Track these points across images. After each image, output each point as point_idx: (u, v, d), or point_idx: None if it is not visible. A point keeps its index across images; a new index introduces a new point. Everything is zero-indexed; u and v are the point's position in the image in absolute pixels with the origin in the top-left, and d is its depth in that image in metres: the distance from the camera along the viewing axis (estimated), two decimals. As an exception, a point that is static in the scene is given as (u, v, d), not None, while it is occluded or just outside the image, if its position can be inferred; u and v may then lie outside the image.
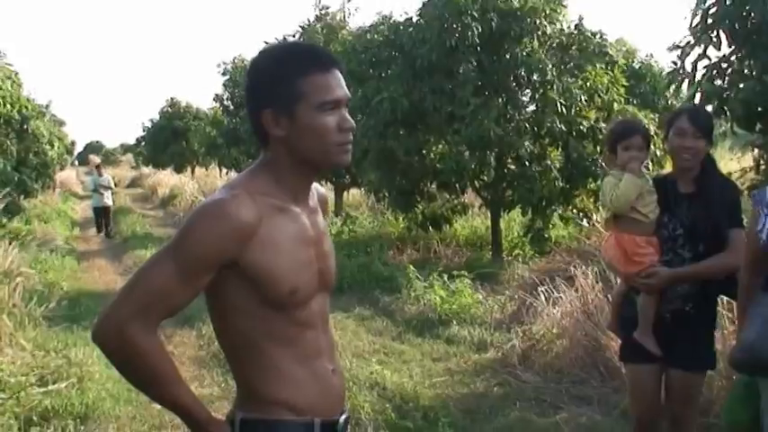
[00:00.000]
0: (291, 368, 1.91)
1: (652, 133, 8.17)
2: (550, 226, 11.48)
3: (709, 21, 5.16)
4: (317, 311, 1.98)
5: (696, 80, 5.35)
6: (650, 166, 9.71)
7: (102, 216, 18.80)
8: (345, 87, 1.94)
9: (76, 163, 65.34)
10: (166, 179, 33.13)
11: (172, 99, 39.52)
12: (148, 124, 42.41)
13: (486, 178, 11.42)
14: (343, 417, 2.04)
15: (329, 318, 2.08)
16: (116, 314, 1.77)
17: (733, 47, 5.19)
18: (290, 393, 1.91)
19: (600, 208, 9.60)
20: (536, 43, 10.84)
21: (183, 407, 1.86)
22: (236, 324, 1.89)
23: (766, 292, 2.95)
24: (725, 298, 4.12)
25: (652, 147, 7.72)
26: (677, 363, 3.50)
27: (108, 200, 18.78)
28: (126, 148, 75.57)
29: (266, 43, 17.80)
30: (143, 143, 46.08)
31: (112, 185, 19.61)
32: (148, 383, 1.85)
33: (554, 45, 11.12)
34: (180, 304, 1.82)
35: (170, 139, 38.22)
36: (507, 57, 10.73)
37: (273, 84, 1.90)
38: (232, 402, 5.88)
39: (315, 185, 2.09)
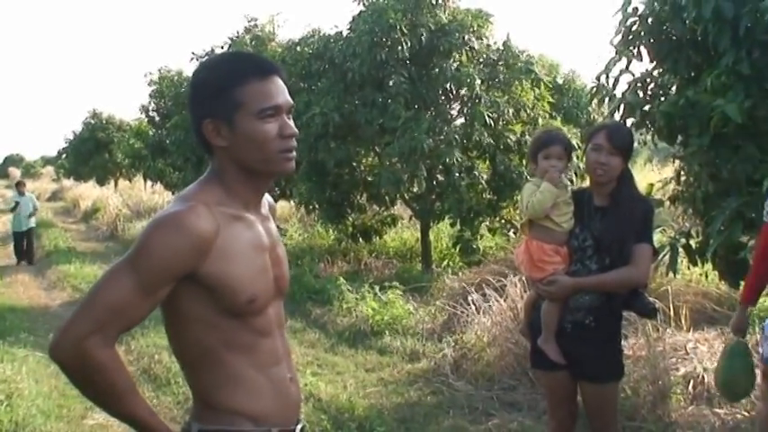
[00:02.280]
0: (250, 376, 1.92)
1: (575, 147, 8.42)
2: (479, 237, 11.64)
3: (631, 37, 5.34)
4: (274, 318, 2.00)
5: (618, 95, 5.52)
6: (574, 179, 9.96)
7: (22, 242, 16.23)
8: (287, 94, 1.94)
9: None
10: (88, 192, 32.43)
11: (94, 110, 38.69)
12: (70, 136, 41.44)
13: (416, 189, 11.53)
14: (299, 426, 2.05)
15: (285, 324, 2.10)
16: (74, 330, 1.75)
17: (654, 62, 5.38)
18: (249, 402, 1.91)
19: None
20: (464, 58, 11.03)
21: (141, 419, 1.85)
22: (194, 334, 1.88)
23: None
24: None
25: (575, 160, 7.97)
26: (585, 375, 3.58)
27: (30, 222, 16.31)
28: (47, 161, 73.68)
29: (194, 54, 17.62)
30: (65, 155, 45.00)
31: (36, 205, 17.14)
32: (107, 397, 1.83)
33: (482, 60, 11.33)
34: (139, 317, 1.81)
35: (93, 150, 37.33)
36: (437, 71, 10.89)
37: (212, 94, 1.90)
38: (163, 417, 5.80)
39: (266, 196, 2.10)
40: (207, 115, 1.90)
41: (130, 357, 7.51)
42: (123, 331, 1.82)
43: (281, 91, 1.92)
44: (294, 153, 1.94)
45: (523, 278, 6.81)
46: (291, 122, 1.94)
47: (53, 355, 1.78)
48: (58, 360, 1.78)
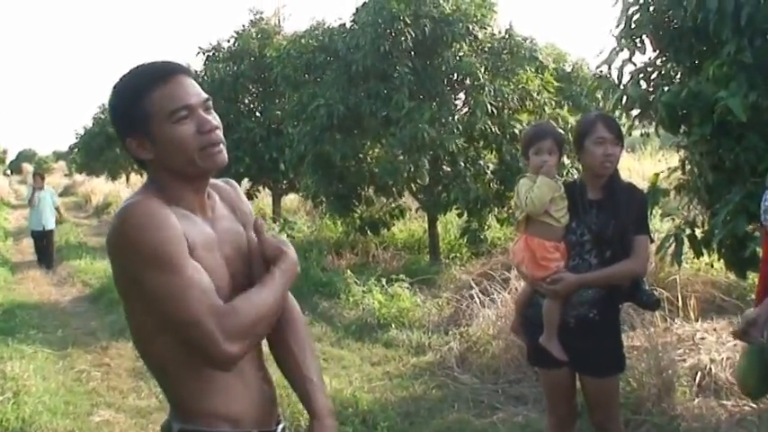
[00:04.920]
0: (221, 378, 1.89)
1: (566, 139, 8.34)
2: (486, 227, 11.60)
3: (633, 26, 5.27)
4: None
5: (621, 85, 5.46)
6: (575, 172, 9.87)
7: (41, 242, 14.26)
8: (197, 89, 1.92)
9: (9, 172, 64.03)
10: (100, 186, 32.59)
11: (104, 105, 38.77)
12: (81, 131, 41.62)
13: (421, 181, 11.49)
14: (280, 426, 2.03)
15: None
16: (211, 344, 1.78)
17: (657, 51, 5.32)
18: (224, 404, 1.90)
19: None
20: (467, 48, 10.98)
21: None
22: (159, 340, 1.86)
23: None
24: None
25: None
26: (587, 369, 3.56)
27: (50, 222, 14.20)
28: (59, 156, 74.21)
29: (200, 49, 17.57)
30: (76, 150, 45.21)
31: (56, 202, 14.84)
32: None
33: (486, 49, 11.26)
34: (208, 280, 1.81)
35: (104, 145, 37.46)
36: (440, 61, 10.84)
37: (124, 112, 1.91)
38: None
39: (218, 186, 2.09)
40: (128, 133, 1.90)
41: (137, 353, 7.51)
42: (223, 300, 1.82)
43: (188, 89, 1.89)
44: (221, 145, 1.91)
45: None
46: (212, 116, 1.91)
47: (227, 364, 1.85)
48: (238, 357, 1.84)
